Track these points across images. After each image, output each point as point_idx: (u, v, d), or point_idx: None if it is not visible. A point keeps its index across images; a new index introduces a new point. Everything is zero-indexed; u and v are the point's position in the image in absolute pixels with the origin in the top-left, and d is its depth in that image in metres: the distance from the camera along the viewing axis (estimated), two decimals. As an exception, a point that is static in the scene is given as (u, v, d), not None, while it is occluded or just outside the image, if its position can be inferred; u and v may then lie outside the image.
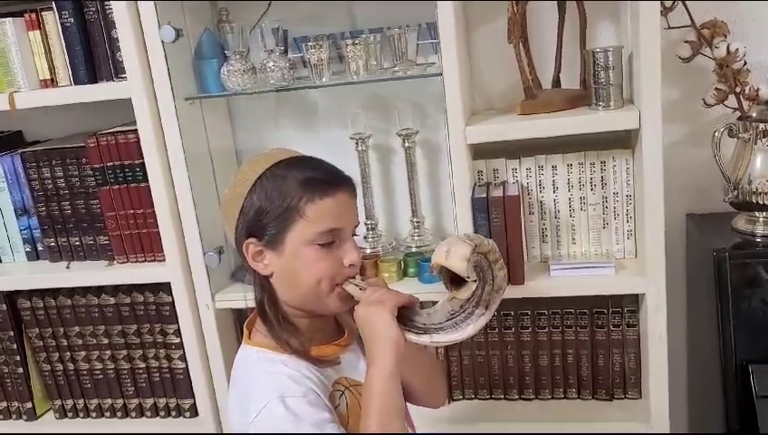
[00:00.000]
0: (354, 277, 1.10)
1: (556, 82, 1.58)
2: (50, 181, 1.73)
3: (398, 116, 1.68)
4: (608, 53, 1.43)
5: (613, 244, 1.57)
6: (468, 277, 1.03)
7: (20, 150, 1.75)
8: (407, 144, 1.66)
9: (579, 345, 1.63)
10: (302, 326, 1.12)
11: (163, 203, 1.60)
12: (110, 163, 1.64)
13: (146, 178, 1.61)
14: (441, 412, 1.56)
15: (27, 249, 1.82)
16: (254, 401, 1.03)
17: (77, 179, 1.71)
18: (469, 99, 1.59)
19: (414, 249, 1.69)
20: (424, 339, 1.06)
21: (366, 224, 1.73)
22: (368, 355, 1.05)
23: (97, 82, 1.62)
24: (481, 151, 1.57)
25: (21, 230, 1.81)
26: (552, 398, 1.68)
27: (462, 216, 1.49)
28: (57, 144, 1.75)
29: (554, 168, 1.55)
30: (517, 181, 1.56)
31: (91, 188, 1.70)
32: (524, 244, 1.57)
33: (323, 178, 1.08)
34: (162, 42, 1.50)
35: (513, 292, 1.50)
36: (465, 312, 1.07)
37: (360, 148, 1.68)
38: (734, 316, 1.42)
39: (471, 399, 1.72)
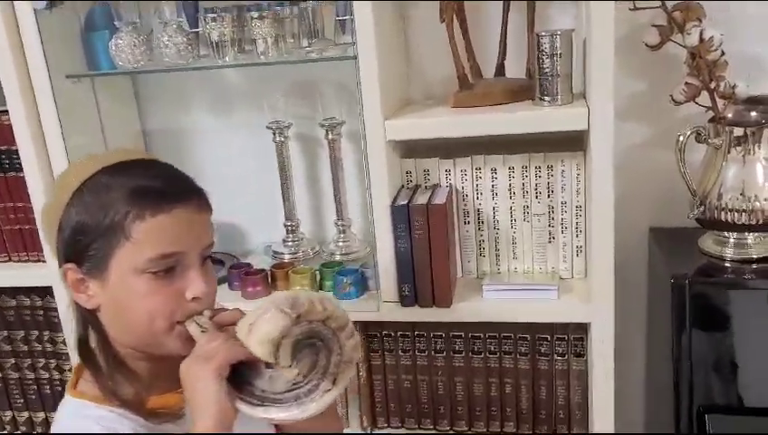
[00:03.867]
0: (201, 313, 0.88)
1: (500, 71, 1.35)
2: None
3: (320, 103, 1.46)
4: (555, 37, 1.20)
5: (560, 261, 1.35)
6: (277, 363, 0.80)
7: None
8: (330, 136, 1.45)
9: (518, 374, 1.42)
10: (141, 371, 0.90)
11: (40, 196, 1.38)
12: (-15, 149, 1.43)
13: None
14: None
15: None
16: None
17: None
18: (399, 87, 1.37)
19: (338, 257, 1.49)
20: (257, 412, 0.83)
21: (286, 226, 1.53)
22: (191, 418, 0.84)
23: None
24: (412, 149, 1.35)
25: None
26: (488, 431, 1.47)
27: (380, 226, 1.28)
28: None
29: (494, 170, 1.33)
30: (450, 185, 1.34)
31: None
32: (458, 258, 1.36)
33: (157, 189, 0.85)
34: (34, 10, 1.28)
35: (437, 315, 1.31)
36: (310, 384, 0.84)
37: (278, 138, 1.47)
38: (692, 355, 1.21)
39: (397, 428, 1.51)
